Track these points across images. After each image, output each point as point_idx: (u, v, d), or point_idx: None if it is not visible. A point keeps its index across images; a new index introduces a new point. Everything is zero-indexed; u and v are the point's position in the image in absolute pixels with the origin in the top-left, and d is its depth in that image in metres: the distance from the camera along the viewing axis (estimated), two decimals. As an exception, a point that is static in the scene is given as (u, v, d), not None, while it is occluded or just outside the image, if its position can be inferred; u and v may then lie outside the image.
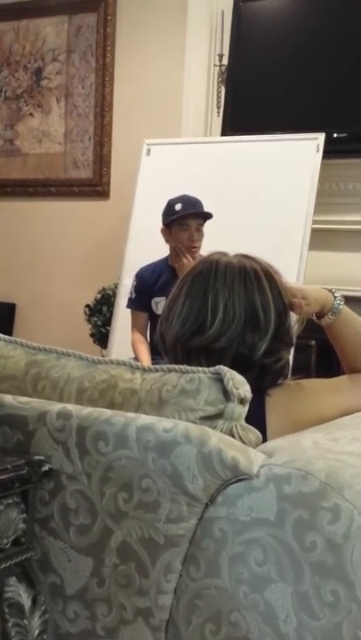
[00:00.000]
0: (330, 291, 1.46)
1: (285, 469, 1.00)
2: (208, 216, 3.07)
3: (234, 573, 1.01)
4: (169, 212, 3.08)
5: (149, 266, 3.22)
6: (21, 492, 1.06)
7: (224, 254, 1.43)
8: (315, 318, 1.47)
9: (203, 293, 1.36)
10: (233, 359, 1.31)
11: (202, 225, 3.07)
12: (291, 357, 1.49)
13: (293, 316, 1.42)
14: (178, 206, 3.05)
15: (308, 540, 0.96)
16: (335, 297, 1.45)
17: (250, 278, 1.37)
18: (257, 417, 1.24)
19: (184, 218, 3.04)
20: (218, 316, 1.34)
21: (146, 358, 3.04)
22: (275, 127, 3.54)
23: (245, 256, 1.42)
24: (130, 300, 3.26)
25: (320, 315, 1.46)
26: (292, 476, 0.99)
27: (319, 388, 1.43)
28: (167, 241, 3.12)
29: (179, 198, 3.09)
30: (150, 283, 3.16)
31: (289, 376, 1.44)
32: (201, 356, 1.33)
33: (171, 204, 3.08)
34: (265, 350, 1.34)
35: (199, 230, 3.06)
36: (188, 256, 2.99)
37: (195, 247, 3.03)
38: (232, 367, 1.13)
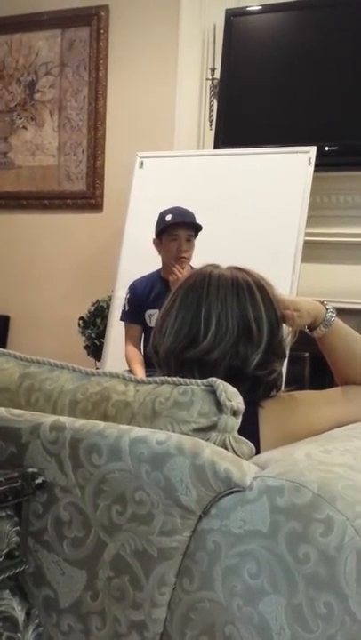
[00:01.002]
0: (322, 303, 1.47)
1: (278, 481, 1.00)
2: (198, 227, 3.08)
3: (228, 586, 1.01)
4: (160, 222, 3.10)
5: (142, 278, 3.22)
6: (15, 505, 1.06)
7: (216, 267, 1.43)
8: (307, 330, 1.47)
9: (195, 306, 1.37)
10: (226, 371, 1.32)
11: (192, 236, 3.08)
12: (284, 369, 1.49)
13: (286, 329, 1.43)
14: (168, 217, 3.07)
15: (302, 552, 0.96)
16: (327, 309, 1.46)
17: (242, 290, 1.37)
18: (250, 429, 1.24)
19: (173, 228, 3.05)
20: (211, 329, 1.34)
21: (140, 371, 3.04)
22: (267, 140, 3.56)
23: (238, 268, 1.43)
24: (123, 312, 3.26)
25: (312, 327, 1.46)
26: (285, 488, 0.99)
27: (312, 400, 1.43)
28: (159, 252, 3.13)
29: (170, 209, 3.10)
30: (143, 295, 3.16)
31: (282, 388, 1.44)
32: (194, 369, 1.34)
33: (162, 215, 3.10)
34: (258, 362, 1.35)
35: (189, 241, 3.07)
36: (178, 267, 3.00)
37: (184, 257, 3.04)
38: (225, 379, 1.13)
